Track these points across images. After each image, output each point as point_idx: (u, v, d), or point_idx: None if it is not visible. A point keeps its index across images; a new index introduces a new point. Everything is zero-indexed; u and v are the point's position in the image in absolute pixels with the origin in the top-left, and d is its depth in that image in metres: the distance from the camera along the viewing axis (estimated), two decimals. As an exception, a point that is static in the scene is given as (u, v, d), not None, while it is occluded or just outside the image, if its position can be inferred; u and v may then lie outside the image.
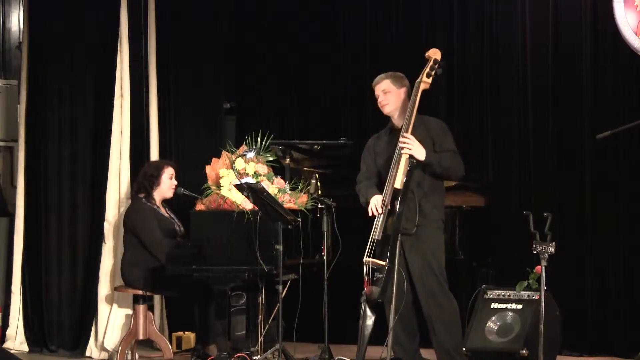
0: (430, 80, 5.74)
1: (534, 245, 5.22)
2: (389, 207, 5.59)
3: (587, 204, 6.84)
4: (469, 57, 7.39)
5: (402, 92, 5.85)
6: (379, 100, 5.90)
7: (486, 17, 7.27)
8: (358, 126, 7.74)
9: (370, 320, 5.61)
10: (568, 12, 6.94)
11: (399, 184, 5.57)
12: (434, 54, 5.78)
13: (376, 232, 5.61)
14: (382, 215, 5.63)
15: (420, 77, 5.74)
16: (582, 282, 6.83)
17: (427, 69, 5.74)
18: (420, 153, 5.61)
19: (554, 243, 5.20)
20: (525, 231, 5.35)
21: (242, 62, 8.27)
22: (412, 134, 5.64)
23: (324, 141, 6.76)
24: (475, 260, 6.83)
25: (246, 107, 8.30)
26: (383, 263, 5.50)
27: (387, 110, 5.87)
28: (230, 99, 8.31)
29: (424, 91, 5.72)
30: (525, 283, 6.18)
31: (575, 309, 6.70)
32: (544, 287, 5.32)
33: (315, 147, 6.68)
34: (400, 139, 5.62)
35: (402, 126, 5.71)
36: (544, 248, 5.19)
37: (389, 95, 5.85)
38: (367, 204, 5.77)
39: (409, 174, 5.57)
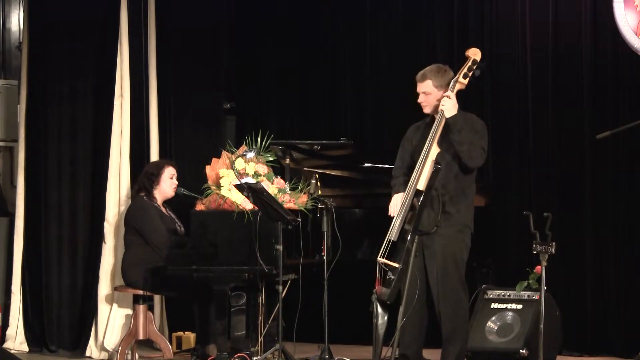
0: (466, 81, 5.49)
1: (534, 245, 5.21)
2: (408, 209, 5.43)
3: (587, 204, 6.84)
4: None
5: (443, 92, 5.53)
6: (419, 98, 5.64)
7: (486, 18, 7.27)
8: (358, 126, 7.74)
9: (382, 319, 5.52)
10: (568, 13, 6.94)
11: (422, 185, 5.39)
12: (474, 54, 5.52)
13: (393, 232, 5.46)
14: (400, 217, 5.46)
15: (456, 77, 5.51)
16: (582, 282, 6.83)
17: (465, 69, 5.50)
18: (450, 111, 5.41)
19: (554, 243, 5.19)
20: (525, 231, 5.34)
21: (242, 62, 8.27)
22: (443, 132, 5.46)
23: (324, 141, 6.76)
24: (475, 260, 6.82)
25: (246, 107, 8.30)
26: (396, 265, 5.38)
27: (426, 111, 5.63)
28: (230, 99, 8.31)
29: (459, 91, 5.50)
30: (525, 283, 6.18)
31: (575, 309, 6.71)
32: (544, 287, 5.32)
33: (315, 147, 6.67)
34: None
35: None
36: (544, 248, 5.18)
37: (429, 97, 5.58)
38: None
39: (432, 177, 5.36)
